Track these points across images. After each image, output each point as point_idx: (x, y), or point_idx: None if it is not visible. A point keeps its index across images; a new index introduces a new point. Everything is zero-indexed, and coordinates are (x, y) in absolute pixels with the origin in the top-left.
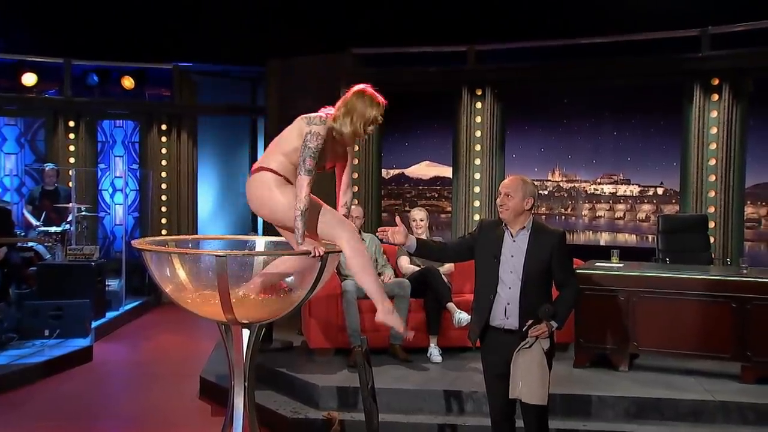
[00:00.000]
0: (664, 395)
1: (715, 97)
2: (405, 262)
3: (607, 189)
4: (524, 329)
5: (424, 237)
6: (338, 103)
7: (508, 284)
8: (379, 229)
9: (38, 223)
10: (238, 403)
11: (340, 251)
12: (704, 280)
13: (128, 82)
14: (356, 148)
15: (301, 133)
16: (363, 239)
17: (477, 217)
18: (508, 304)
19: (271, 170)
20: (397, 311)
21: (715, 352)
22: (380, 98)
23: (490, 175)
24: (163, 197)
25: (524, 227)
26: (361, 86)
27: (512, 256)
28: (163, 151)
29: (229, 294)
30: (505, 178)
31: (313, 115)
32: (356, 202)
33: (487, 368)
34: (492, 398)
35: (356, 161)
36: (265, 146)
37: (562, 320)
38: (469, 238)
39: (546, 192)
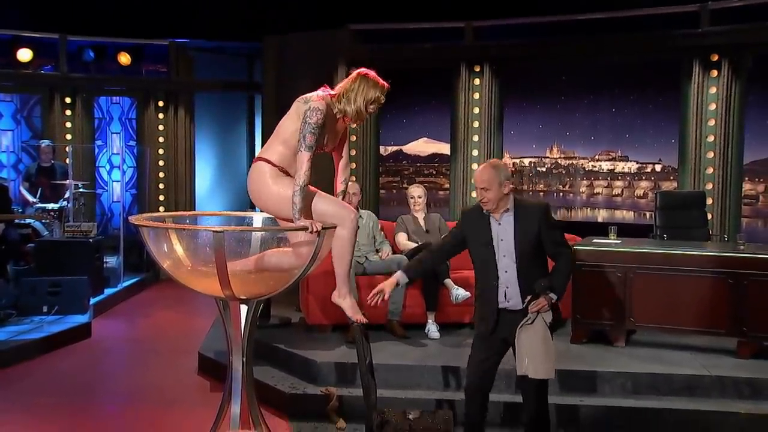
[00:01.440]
0: (660, 370)
1: (714, 73)
2: (403, 239)
3: (605, 166)
4: (524, 305)
5: (422, 214)
6: (340, 84)
7: (504, 268)
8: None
9: (35, 200)
10: (237, 378)
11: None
12: (701, 256)
13: (124, 59)
14: (353, 124)
15: (299, 114)
16: (360, 216)
17: (474, 195)
18: (507, 287)
19: (268, 161)
20: (395, 290)
21: (711, 328)
22: (382, 81)
23: (488, 152)
24: (161, 174)
25: (507, 209)
26: (364, 69)
27: (502, 240)
28: (161, 127)
29: (226, 269)
30: (503, 156)
31: (310, 94)
32: (353, 178)
33: (477, 341)
34: (472, 367)
35: (354, 138)
36: (263, 123)
37: (560, 291)
38: (457, 231)
39: (544, 169)
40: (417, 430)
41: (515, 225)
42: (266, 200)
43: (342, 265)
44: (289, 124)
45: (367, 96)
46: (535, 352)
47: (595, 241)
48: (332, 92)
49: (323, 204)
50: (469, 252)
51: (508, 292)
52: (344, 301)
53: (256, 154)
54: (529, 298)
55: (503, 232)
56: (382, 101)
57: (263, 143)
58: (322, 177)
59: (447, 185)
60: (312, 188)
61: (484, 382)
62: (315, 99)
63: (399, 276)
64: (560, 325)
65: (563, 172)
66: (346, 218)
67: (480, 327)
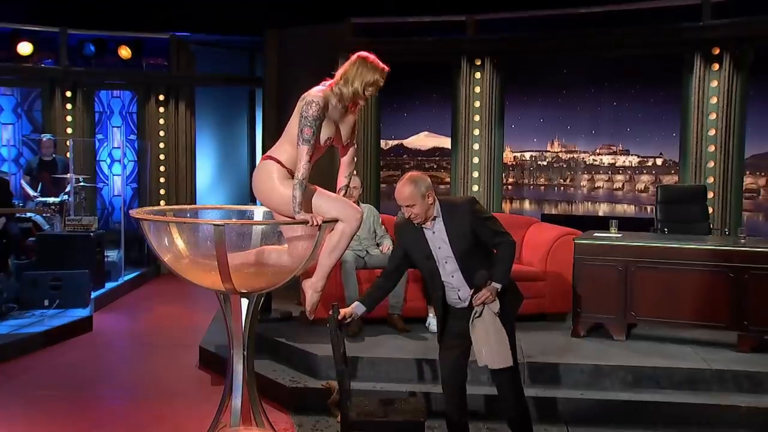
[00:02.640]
0: (660, 364)
1: (716, 66)
2: None
3: (606, 160)
4: (469, 300)
5: None
6: (339, 71)
7: (450, 273)
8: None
9: (36, 194)
10: (238, 372)
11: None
12: (702, 250)
13: (125, 52)
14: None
15: (300, 112)
16: (362, 210)
17: (476, 188)
18: (459, 290)
19: (277, 161)
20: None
21: (712, 322)
22: (382, 64)
23: (489, 146)
24: (162, 168)
25: (435, 216)
26: (363, 53)
27: (440, 248)
28: (161, 121)
29: (227, 263)
30: (504, 149)
31: (310, 90)
32: (355, 172)
33: (440, 340)
34: (442, 368)
35: None
36: (263, 117)
37: (500, 277)
38: (397, 248)
39: (545, 163)
40: (392, 417)
41: (447, 229)
42: (270, 199)
43: (331, 259)
44: (294, 125)
45: (365, 79)
46: (489, 342)
47: (595, 234)
48: (332, 81)
49: (328, 203)
50: (416, 265)
51: (461, 294)
52: (314, 294)
53: (262, 150)
54: (471, 291)
55: (438, 239)
56: (381, 84)
57: (264, 137)
58: (322, 173)
59: (448, 179)
60: (318, 188)
61: (456, 378)
62: (313, 91)
63: (355, 307)
64: (519, 300)
65: (564, 166)
66: (352, 218)
67: (438, 327)
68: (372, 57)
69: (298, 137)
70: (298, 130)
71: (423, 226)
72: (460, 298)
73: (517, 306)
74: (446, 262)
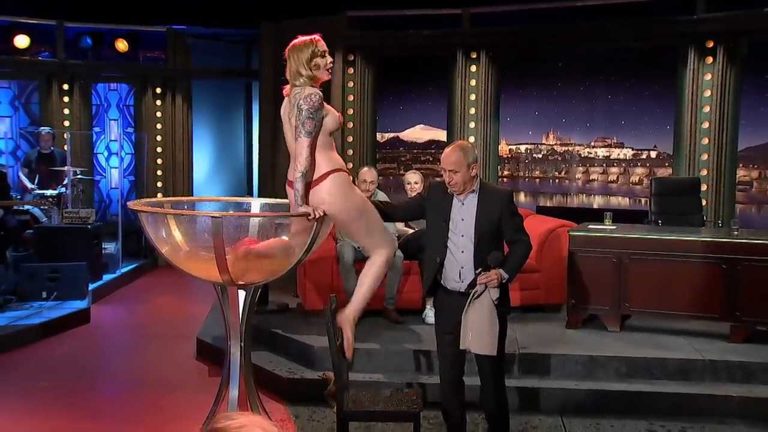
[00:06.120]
0: (654, 355)
1: (710, 59)
2: (399, 225)
3: (601, 152)
4: (474, 277)
5: None
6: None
7: (461, 248)
8: None
9: (33, 186)
10: (235, 363)
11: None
12: (696, 241)
13: (122, 45)
14: (350, 111)
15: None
16: (377, 197)
17: None
18: (462, 267)
19: (323, 176)
20: (390, 276)
21: (705, 313)
22: (308, 38)
23: (484, 139)
24: (159, 161)
25: (472, 190)
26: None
27: (462, 220)
28: (158, 114)
29: (224, 255)
30: (499, 142)
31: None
32: (350, 165)
33: (439, 330)
34: (441, 359)
35: (350, 125)
36: (260, 110)
37: (511, 271)
38: (419, 198)
39: (540, 155)
40: (387, 407)
41: (478, 206)
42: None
43: (368, 291)
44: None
45: (302, 58)
46: (480, 326)
47: (590, 226)
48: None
49: (370, 230)
50: (426, 224)
51: (463, 272)
52: (348, 326)
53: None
54: (479, 270)
55: (465, 212)
56: (319, 51)
57: (260, 130)
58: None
59: None
60: (371, 208)
61: (455, 370)
62: (307, 88)
63: None
64: (508, 312)
65: (559, 158)
66: (386, 248)
67: (435, 313)
68: (297, 40)
69: (298, 130)
70: (298, 123)
71: (457, 195)
72: (460, 277)
73: (506, 307)
74: (463, 235)
